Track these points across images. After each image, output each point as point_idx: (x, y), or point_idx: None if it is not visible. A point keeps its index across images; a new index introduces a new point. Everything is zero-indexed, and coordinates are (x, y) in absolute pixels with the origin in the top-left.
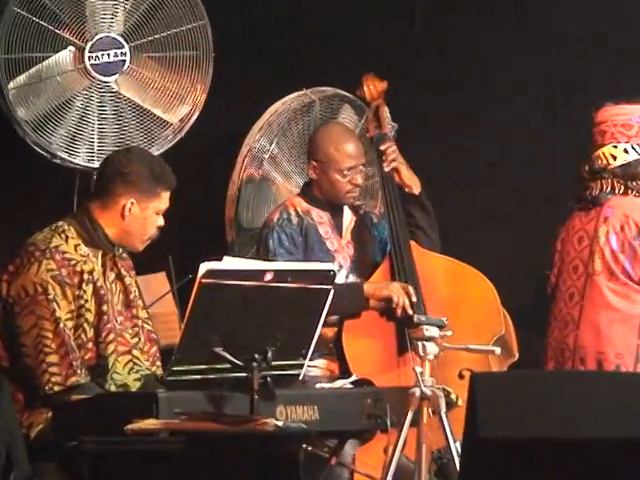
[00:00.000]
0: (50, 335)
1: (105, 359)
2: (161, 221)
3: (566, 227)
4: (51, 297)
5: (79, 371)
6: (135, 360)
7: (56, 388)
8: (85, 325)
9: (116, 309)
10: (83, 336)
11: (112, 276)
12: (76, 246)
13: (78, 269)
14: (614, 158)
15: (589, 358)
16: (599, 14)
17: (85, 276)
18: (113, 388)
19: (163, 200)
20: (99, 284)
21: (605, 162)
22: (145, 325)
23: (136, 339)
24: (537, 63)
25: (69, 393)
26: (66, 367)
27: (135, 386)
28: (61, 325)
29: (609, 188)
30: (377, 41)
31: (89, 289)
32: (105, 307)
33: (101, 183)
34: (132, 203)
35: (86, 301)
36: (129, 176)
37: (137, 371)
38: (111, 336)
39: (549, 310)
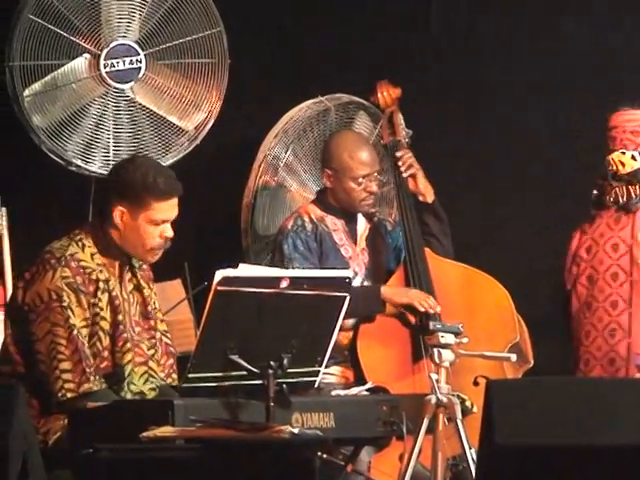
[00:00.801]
0: (64, 342)
1: (121, 367)
2: (166, 231)
3: (590, 235)
4: (65, 304)
5: (92, 378)
6: (151, 372)
7: (69, 395)
8: (100, 333)
9: (133, 320)
10: (98, 344)
11: (130, 287)
12: (92, 255)
13: (94, 277)
14: (622, 165)
15: None
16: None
17: (101, 285)
18: (129, 397)
19: (157, 211)
20: (114, 294)
21: (615, 168)
22: (164, 338)
23: (152, 351)
24: (559, 70)
25: (82, 400)
26: (79, 374)
27: (151, 395)
28: (75, 332)
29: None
30: (392, 48)
31: (105, 298)
32: (121, 317)
33: (100, 192)
34: (122, 212)
35: (101, 309)
36: (119, 184)
37: (152, 382)
38: (127, 345)
39: (578, 319)
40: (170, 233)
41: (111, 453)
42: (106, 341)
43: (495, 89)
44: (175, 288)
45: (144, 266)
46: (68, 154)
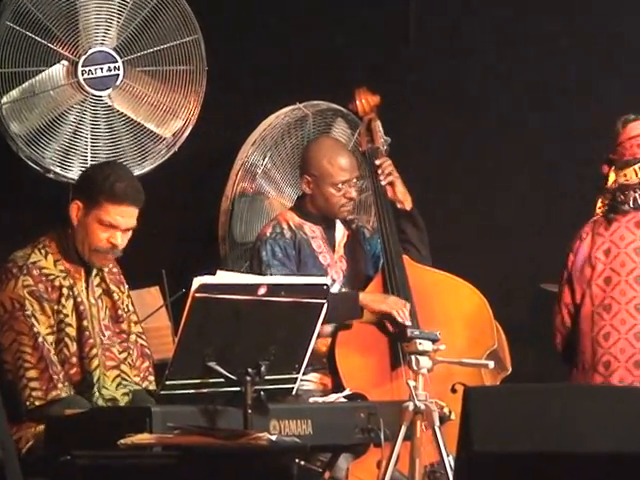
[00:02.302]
0: (29, 350)
1: (90, 374)
2: (114, 237)
3: (609, 238)
4: (29, 312)
5: (60, 385)
6: (123, 375)
7: (37, 402)
8: (67, 339)
9: (103, 324)
10: (66, 351)
11: (99, 291)
12: (56, 261)
13: (57, 284)
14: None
15: None
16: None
17: (65, 291)
18: (101, 402)
19: (106, 212)
20: (79, 299)
21: (637, 178)
22: (139, 340)
23: (125, 354)
24: (535, 77)
25: (50, 407)
26: (46, 381)
27: (124, 400)
28: (40, 340)
29: None
30: (370, 55)
31: (69, 304)
32: (86, 322)
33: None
34: (77, 206)
35: (66, 316)
36: (81, 180)
37: (125, 386)
38: (94, 351)
39: (592, 320)
40: (118, 240)
41: (88, 460)
42: (73, 347)
43: (475, 97)
44: (153, 295)
45: (114, 269)
46: (46, 161)
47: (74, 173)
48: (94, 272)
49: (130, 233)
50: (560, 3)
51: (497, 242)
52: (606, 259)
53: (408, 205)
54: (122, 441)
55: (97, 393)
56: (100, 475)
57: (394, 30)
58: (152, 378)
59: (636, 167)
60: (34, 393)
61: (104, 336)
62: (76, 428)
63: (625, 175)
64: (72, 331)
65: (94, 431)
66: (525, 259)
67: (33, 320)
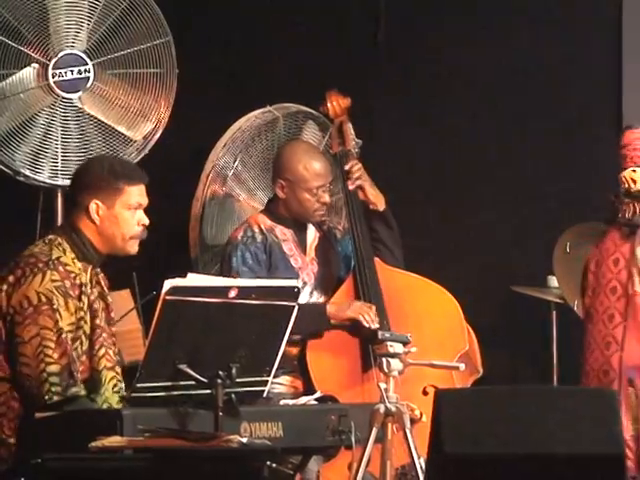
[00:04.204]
0: (52, 345)
1: (99, 373)
2: (142, 217)
3: (599, 249)
4: (55, 307)
5: (79, 383)
6: (118, 377)
7: (55, 398)
8: (83, 337)
9: (102, 325)
10: (79, 349)
11: (96, 293)
12: (72, 259)
13: (78, 282)
14: (634, 182)
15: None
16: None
17: (83, 289)
18: (105, 406)
19: (131, 194)
20: (92, 298)
21: (627, 185)
22: (114, 347)
23: (116, 357)
24: (505, 78)
25: (69, 404)
26: (67, 378)
27: (119, 406)
28: (64, 336)
29: None
30: (341, 57)
31: (86, 301)
32: (98, 321)
33: (69, 197)
34: (97, 204)
35: (85, 313)
36: (86, 179)
37: (119, 390)
38: (102, 350)
39: (585, 331)
40: (146, 220)
41: (60, 463)
42: (86, 345)
43: (446, 99)
44: (123, 298)
45: (102, 274)
46: (16, 164)
47: (45, 176)
48: (92, 273)
49: None
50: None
51: (468, 245)
52: (595, 270)
53: (381, 206)
54: (93, 444)
55: (104, 395)
56: (71, 478)
57: (364, 32)
58: (122, 385)
59: (625, 174)
60: (54, 388)
61: (103, 337)
62: (47, 431)
63: (619, 184)
64: (87, 329)
65: (65, 434)
66: (496, 261)
67: (58, 316)
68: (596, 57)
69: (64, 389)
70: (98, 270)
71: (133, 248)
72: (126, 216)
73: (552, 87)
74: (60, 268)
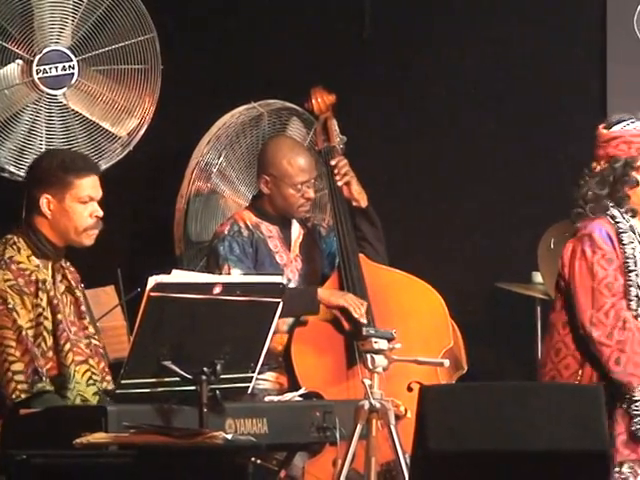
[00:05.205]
0: (13, 344)
1: (67, 368)
2: (95, 209)
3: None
4: (11, 306)
5: (45, 378)
6: (92, 369)
7: (23, 395)
8: (45, 333)
9: (69, 320)
10: (43, 345)
11: (62, 288)
12: (28, 257)
13: (33, 278)
14: None
15: None
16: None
17: (40, 285)
18: (78, 401)
19: (81, 188)
20: (52, 294)
21: None
22: (93, 340)
23: (89, 350)
24: (491, 74)
25: (37, 399)
26: (31, 374)
27: (95, 400)
28: (24, 333)
29: None
30: (326, 54)
31: (45, 298)
32: (60, 316)
33: (25, 192)
34: (47, 199)
35: (43, 309)
36: (37, 174)
37: (94, 382)
38: (68, 345)
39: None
40: (100, 212)
41: (44, 459)
42: (50, 341)
43: (430, 95)
44: (108, 294)
45: (71, 268)
46: (1, 160)
47: None
48: (58, 269)
49: None
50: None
51: (452, 241)
52: None
53: (364, 203)
54: (77, 440)
55: (74, 390)
56: (56, 475)
57: (349, 28)
58: (109, 378)
59: None
60: (19, 386)
61: (70, 332)
62: (31, 427)
63: None
64: (49, 324)
65: (49, 430)
66: (480, 258)
67: (15, 314)
68: (581, 57)
69: (30, 386)
70: (66, 264)
71: (89, 240)
72: (78, 209)
73: (540, 84)
74: (12, 267)
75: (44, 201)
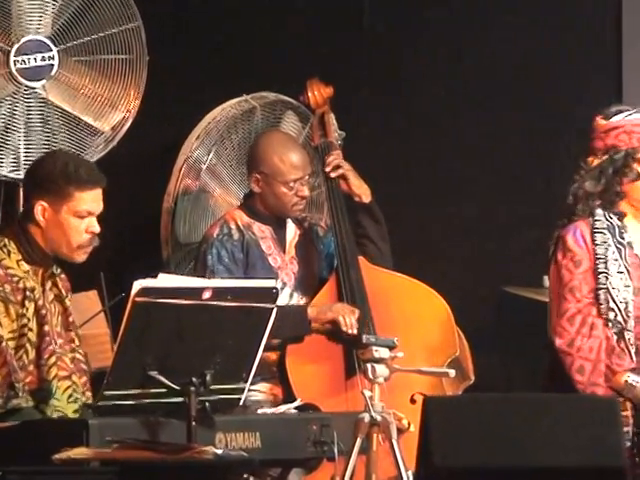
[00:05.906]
0: None
1: (48, 383)
2: (92, 225)
3: None
4: None
5: (21, 394)
6: (74, 387)
7: None
8: (27, 345)
9: (55, 331)
10: (25, 357)
11: (51, 296)
12: (18, 261)
13: (21, 286)
14: None
15: None
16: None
17: (27, 293)
18: (50, 411)
19: (80, 201)
20: (40, 303)
21: None
22: (77, 355)
23: (73, 365)
24: (493, 66)
25: (9, 417)
26: (7, 389)
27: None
28: (3, 344)
29: None
30: (323, 44)
31: (31, 307)
32: (47, 328)
33: (24, 191)
34: (43, 207)
35: (28, 320)
36: (37, 178)
37: (75, 400)
38: (52, 359)
39: None
40: (97, 228)
41: (21, 476)
42: (32, 354)
43: (430, 89)
44: (90, 300)
45: (62, 275)
46: None
47: (6, 170)
48: (48, 276)
49: None
50: None
51: (458, 245)
52: None
53: (366, 198)
54: (57, 456)
55: (52, 406)
56: None
57: (348, 18)
58: (89, 394)
59: None
60: None
61: (56, 344)
62: (8, 442)
63: None
64: (33, 336)
65: (27, 445)
66: (484, 259)
67: None
68: (582, 56)
69: (4, 401)
70: (57, 271)
71: (80, 257)
72: (73, 223)
73: (542, 80)
74: (0, 272)
75: (39, 208)
